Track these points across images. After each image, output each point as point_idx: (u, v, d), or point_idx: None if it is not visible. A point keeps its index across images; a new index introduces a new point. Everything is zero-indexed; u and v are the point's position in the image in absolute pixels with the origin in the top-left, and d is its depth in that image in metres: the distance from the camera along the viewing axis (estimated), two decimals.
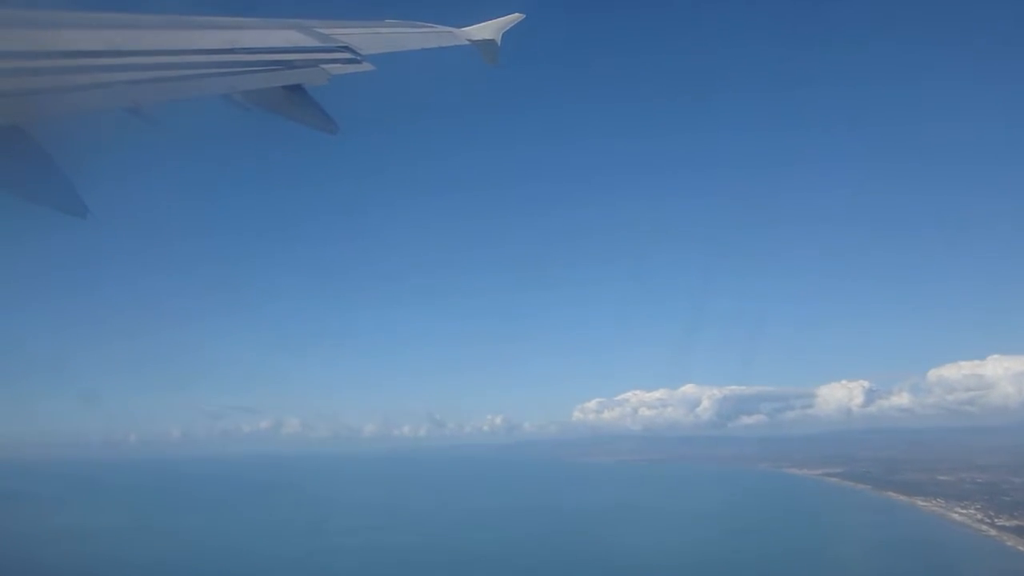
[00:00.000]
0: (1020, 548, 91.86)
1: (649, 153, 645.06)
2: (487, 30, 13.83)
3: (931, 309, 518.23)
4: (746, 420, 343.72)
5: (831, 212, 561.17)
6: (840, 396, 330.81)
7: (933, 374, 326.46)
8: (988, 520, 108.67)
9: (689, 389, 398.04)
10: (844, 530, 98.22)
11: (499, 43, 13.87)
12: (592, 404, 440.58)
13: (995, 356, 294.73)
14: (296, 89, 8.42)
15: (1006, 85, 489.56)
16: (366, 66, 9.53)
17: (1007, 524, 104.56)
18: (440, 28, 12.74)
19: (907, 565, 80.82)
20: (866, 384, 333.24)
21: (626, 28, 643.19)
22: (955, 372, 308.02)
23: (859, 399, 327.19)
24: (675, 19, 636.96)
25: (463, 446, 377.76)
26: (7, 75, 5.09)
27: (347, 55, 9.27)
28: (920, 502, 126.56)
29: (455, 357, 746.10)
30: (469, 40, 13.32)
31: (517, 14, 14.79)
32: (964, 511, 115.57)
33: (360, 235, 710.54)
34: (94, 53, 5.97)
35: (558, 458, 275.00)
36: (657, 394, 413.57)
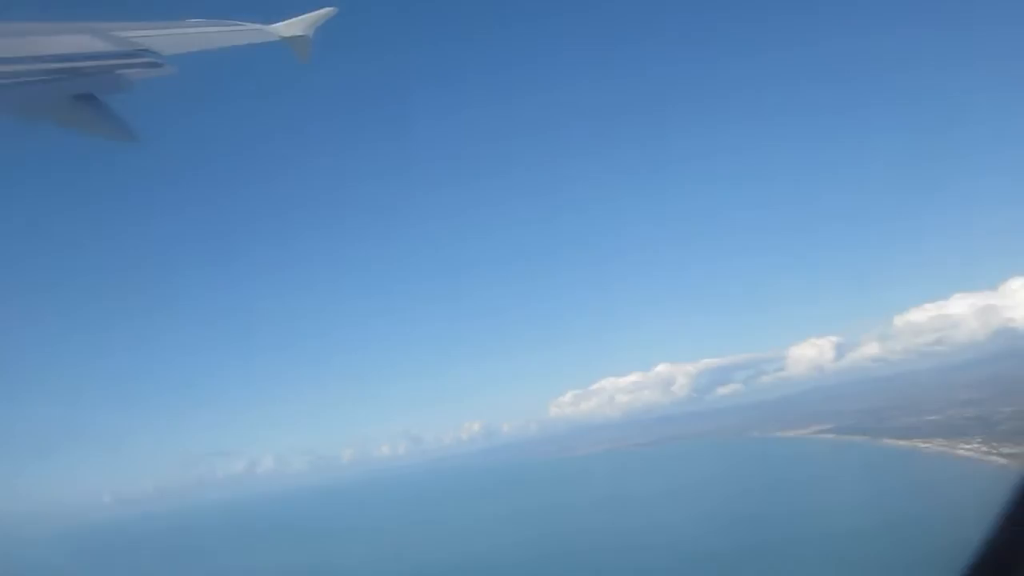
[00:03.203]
0: None
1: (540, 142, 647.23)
2: (298, 26, 13.84)
3: (888, 255, 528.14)
4: (723, 391, 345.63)
5: (777, 165, 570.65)
6: (811, 354, 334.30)
7: (899, 320, 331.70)
8: (994, 451, 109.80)
9: (662, 369, 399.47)
10: (866, 481, 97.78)
11: (311, 39, 13.96)
12: (567, 397, 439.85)
13: (959, 294, 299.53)
14: (88, 98, 7.79)
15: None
16: (169, 69, 9.21)
17: (1014, 451, 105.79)
18: (247, 25, 12.63)
19: (947, 503, 79.72)
20: (835, 339, 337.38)
21: (442, 21, 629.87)
22: (921, 315, 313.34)
23: (830, 354, 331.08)
24: (498, 16, 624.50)
25: (445, 458, 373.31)
26: None
27: (147, 59, 8.76)
28: (921, 444, 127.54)
29: (422, 369, 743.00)
30: (280, 36, 13.37)
31: (328, 9, 14.47)
32: (968, 446, 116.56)
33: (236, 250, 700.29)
34: None
35: (544, 455, 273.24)
36: (631, 378, 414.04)
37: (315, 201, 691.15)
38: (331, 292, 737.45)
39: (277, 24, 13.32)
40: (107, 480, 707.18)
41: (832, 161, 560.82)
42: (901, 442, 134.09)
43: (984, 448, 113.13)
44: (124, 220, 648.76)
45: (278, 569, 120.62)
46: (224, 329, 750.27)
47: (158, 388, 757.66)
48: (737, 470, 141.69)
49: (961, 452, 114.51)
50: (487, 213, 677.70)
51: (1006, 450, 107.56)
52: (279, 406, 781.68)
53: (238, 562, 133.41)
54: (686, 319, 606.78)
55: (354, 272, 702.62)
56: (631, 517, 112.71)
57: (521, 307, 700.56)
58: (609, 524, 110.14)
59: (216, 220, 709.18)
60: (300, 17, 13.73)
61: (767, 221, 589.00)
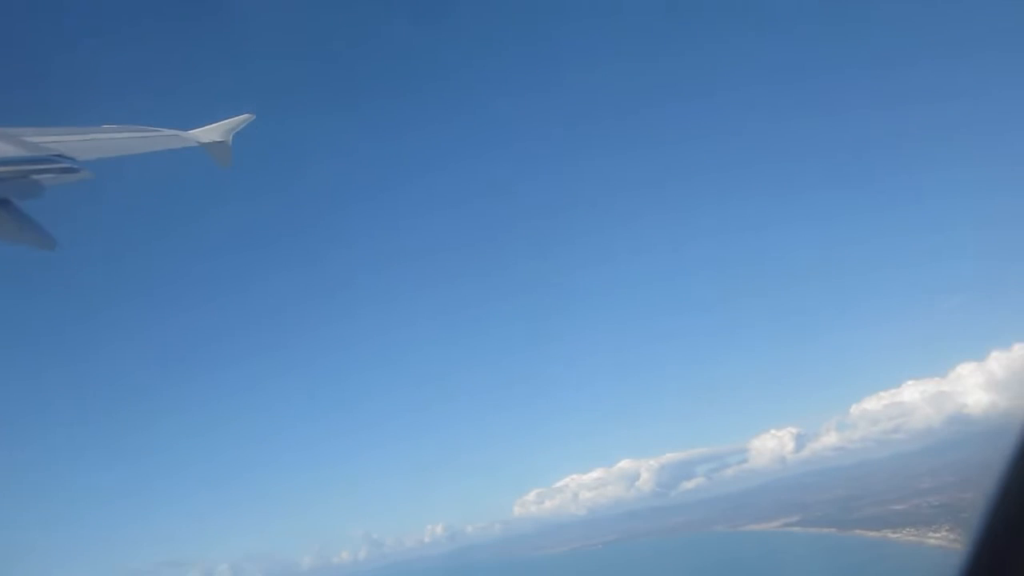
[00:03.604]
0: None
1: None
2: (216, 132, 13.64)
3: (841, 347, 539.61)
4: (687, 485, 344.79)
5: (729, 261, 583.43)
6: (772, 446, 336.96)
7: (855, 409, 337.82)
8: (962, 539, 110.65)
9: (625, 464, 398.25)
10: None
11: (230, 144, 13.57)
12: (531, 496, 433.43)
13: (910, 382, 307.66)
14: (3, 203, 7.73)
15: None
16: (85, 174, 9.02)
17: None
18: (165, 131, 12.45)
19: None
20: (794, 430, 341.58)
21: (362, 122, 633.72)
22: (876, 404, 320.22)
23: (790, 446, 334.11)
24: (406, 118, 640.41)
25: (408, 561, 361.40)
26: None
27: (62, 164, 8.54)
28: (891, 534, 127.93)
29: (381, 471, 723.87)
30: (198, 142, 13.08)
31: (247, 115, 14.20)
32: (937, 535, 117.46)
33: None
34: None
35: (510, 556, 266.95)
36: (595, 474, 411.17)
37: (240, 305, 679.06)
38: (282, 393, 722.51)
39: (195, 130, 13.24)
40: None
41: (780, 253, 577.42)
42: (871, 533, 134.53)
43: (952, 536, 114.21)
44: (43, 327, 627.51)
45: None
46: (170, 433, 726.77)
47: (104, 493, 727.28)
48: (711, 568, 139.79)
49: (931, 541, 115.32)
50: (440, 317, 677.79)
51: None
52: (233, 512, 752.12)
53: None
54: (646, 414, 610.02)
55: (305, 372, 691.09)
56: None
57: (481, 406, 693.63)
58: None
59: (139, 326, 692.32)
60: (218, 123, 13.63)
61: (720, 316, 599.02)
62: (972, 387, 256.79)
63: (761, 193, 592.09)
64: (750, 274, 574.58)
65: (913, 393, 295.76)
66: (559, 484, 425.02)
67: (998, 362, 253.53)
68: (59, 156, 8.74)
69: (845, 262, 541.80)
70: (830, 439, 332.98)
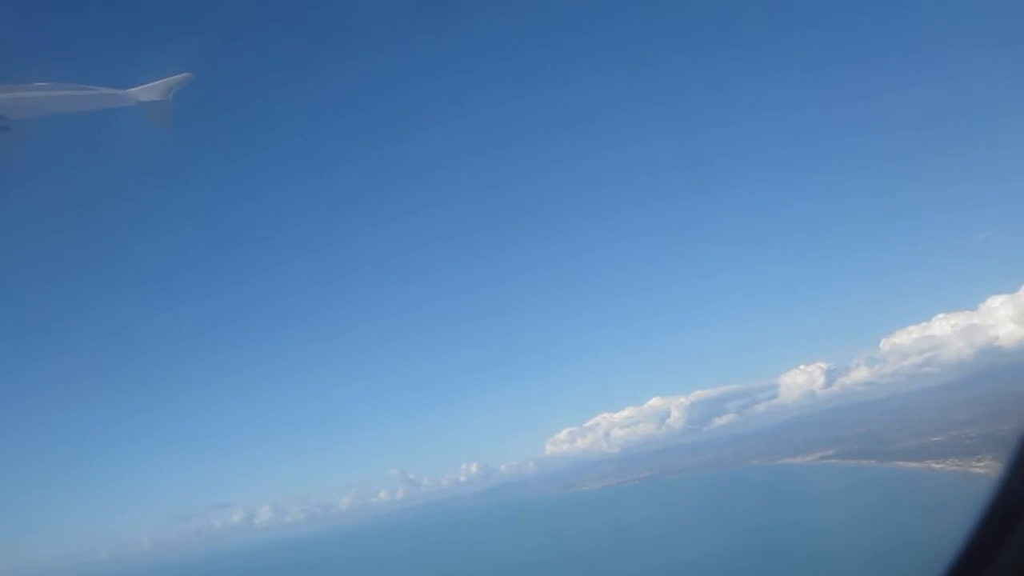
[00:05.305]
0: None
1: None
2: (155, 91, 13.38)
3: (871, 281, 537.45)
4: (718, 421, 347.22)
5: (757, 198, 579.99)
6: (802, 381, 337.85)
7: (886, 343, 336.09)
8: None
9: (655, 402, 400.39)
10: (895, 506, 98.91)
11: (170, 103, 13.22)
12: (563, 435, 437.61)
13: (940, 315, 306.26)
14: None
15: None
16: (18, 133, 8.76)
17: None
18: (102, 89, 12.09)
19: None
20: (824, 365, 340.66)
21: (304, 87, 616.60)
22: (906, 337, 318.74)
23: (820, 381, 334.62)
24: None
25: (445, 500, 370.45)
26: None
27: None
28: (935, 465, 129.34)
29: (416, 413, 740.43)
30: (137, 101, 12.73)
31: (185, 74, 14.05)
32: (980, 464, 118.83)
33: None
34: None
35: (545, 493, 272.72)
36: (625, 413, 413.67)
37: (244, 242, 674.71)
38: (322, 338, 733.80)
39: (134, 88, 13.04)
40: (104, 537, 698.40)
41: (808, 191, 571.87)
42: (912, 464, 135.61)
43: (995, 465, 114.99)
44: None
45: None
46: (216, 380, 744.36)
47: (152, 442, 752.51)
48: (754, 500, 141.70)
49: (977, 470, 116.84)
50: (480, 257, 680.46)
51: None
52: (275, 456, 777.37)
53: None
54: (675, 352, 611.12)
55: (342, 318, 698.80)
56: (660, 551, 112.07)
57: (512, 347, 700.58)
58: (637, 560, 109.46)
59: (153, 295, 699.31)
60: (157, 82, 13.60)
61: (745, 252, 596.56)
62: (1003, 319, 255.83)
63: (785, 135, 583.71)
64: (777, 210, 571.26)
65: (944, 326, 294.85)
66: (590, 423, 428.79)
67: None
68: None
69: (873, 197, 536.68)
70: (860, 374, 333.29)
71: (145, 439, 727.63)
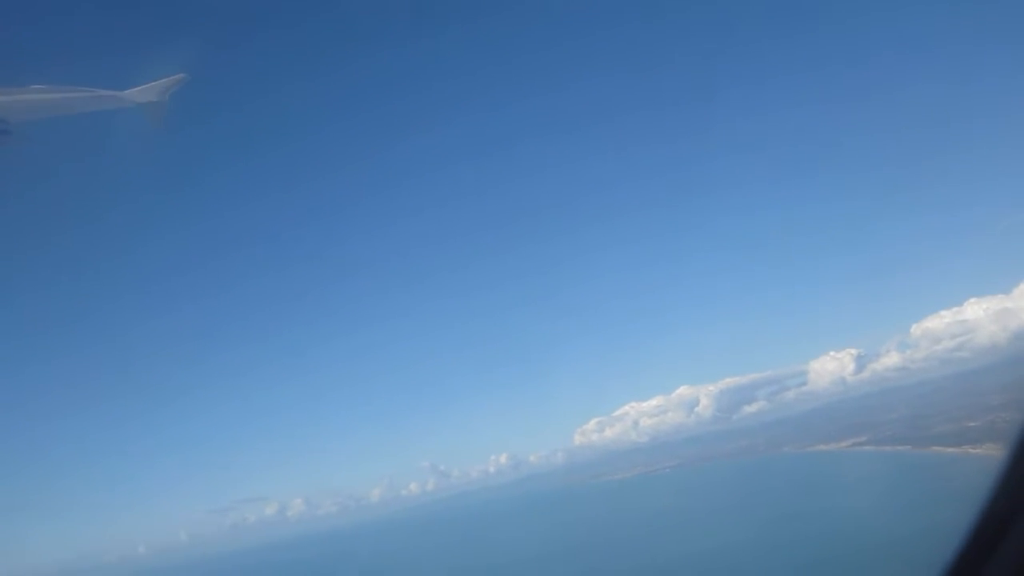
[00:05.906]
0: None
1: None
2: (151, 92, 13.28)
3: (902, 266, 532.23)
4: (748, 409, 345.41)
5: (787, 183, 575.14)
6: (832, 368, 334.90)
7: (917, 328, 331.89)
8: None
9: (684, 391, 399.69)
10: (934, 492, 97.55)
11: (166, 104, 13.14)
12: (591, 425, 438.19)
13: (972, 299, 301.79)
14: None
15: None
16: (15, 136, 8.65)
17: None
18: (99, 91, 12.03)
19: None
20: (854, 351, 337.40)
21: (302, 88, 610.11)
22: (937, 322, 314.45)
23: (851, 367, 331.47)
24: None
25: (475, 491, 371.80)
26: None
27: None
28: (972, 450, 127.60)
29: (445, 405, 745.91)
30: (133, 103, 12.65)
31: (180, 75, 13.96)
32: None
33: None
34: None
35: (575, 483, 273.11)
36: (654, 402, 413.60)
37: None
38: (355, 334, 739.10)
39: (130, 90, 13.04)
40: (141, 531, 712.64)
41: (838, 175, 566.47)
42: (949, 449, 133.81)
43: None
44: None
45: None
46: (250, 377, 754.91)
47: (189, 439, 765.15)
48: (789, 487, 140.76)
49: None
50: (511, 251, 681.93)
51: None
52: (307, 450, 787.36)
53: None
54: (703, 341, 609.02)
55: (375, 314, 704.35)
56: (693, 539, 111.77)
57: (541, 339, 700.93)
58: (670, 548, 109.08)
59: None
60: (153, 83, 13.61)
61: (772, 241, 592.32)
62: None
63: (809, 120, 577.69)
64: (807, 199, 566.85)
65: (976, 310, 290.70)
66: (618, 412, 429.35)
67: None
68: None
69: (902, 185, 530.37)
70: (891, 359, 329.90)
71: (182, 436, 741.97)
